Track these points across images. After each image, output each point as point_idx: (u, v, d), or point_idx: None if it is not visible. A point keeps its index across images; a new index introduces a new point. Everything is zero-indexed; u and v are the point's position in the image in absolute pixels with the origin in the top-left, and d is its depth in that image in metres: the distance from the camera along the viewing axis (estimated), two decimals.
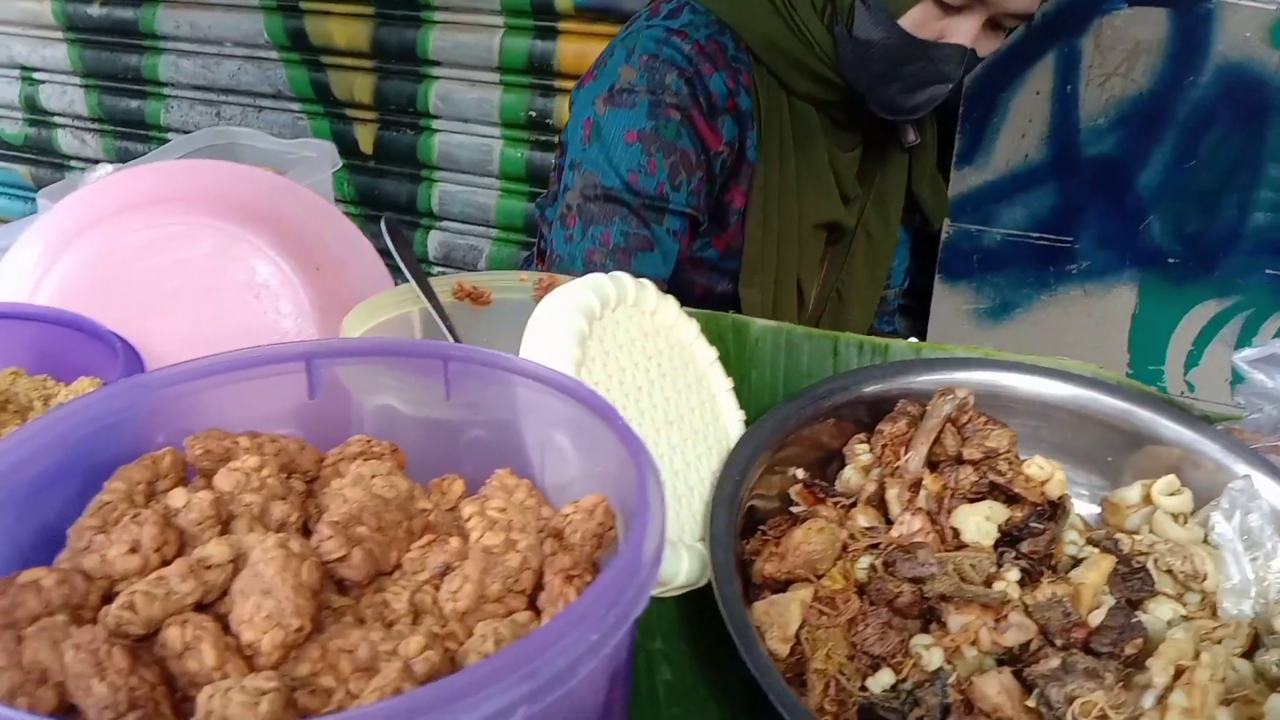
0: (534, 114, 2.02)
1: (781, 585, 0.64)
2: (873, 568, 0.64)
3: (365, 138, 2.21)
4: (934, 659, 0.59)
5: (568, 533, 0.50)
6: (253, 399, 0.58)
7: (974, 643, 0.59)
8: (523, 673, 0.35)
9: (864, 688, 0.59)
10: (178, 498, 0.49)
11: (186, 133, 2.37)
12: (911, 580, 0.62)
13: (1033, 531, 0.66)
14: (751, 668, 0.55)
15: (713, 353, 0.73)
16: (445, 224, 2.24)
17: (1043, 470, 0.68)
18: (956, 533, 0.66)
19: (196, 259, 0.72)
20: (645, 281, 0.69)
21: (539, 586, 0.47)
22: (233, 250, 0.73)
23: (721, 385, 0.73)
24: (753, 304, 1.24)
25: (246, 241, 0.73)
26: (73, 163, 2.68)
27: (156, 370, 0.54)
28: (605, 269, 1.21)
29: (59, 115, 2.62)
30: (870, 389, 0.78)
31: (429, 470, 0.58)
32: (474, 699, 0.34)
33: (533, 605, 0.47)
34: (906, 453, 0.71)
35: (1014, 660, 0.61)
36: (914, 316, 1.76)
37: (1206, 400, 1.60)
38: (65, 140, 2.64)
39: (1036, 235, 1.63)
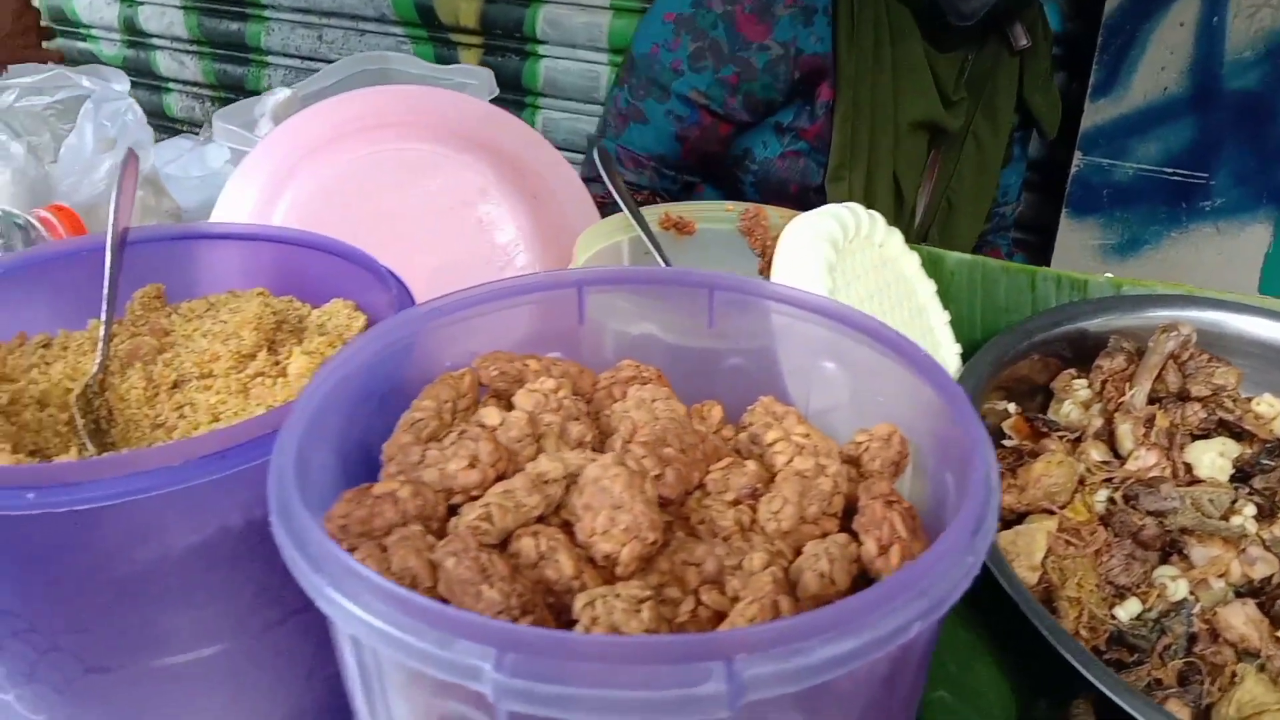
0: None
1: (1018, 517, 0.65)
2: (1111, 501, 0.65)
3: (469, 63, 2.20)
4: (1179, 590, 0.60)
5: (865, 460, 0.51)
6: (520, 324, 0.59)
7: (1223, 575, 0.60)
8: (917, 591, 0.37)
9: (1112, 616, 0.60)
10: (491, 416, 0.51)
11: (287, 55, 2.38)
12: (1153, 514, 0.63)
13: (1264, 468, 0.66)
14: (1011, 594, 0.57)
15: (932, 286, 0.73)
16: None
17: (1271, 408, 0.68)
18: (1189, 468, 0.66)
19: (422, 185, 0.73)
20: (876, 214, 0.69)
21: (846, 510, 0.49)
22: (457, 177, 0.74)
23: (940, 318, 0.73)
24: (839, 200, 1.25)
25: (469, 168, 0.74)
26: (170, 84, 2.71)
27: (442, 297, 0.56)
28: (605, 130, 1.27)
29: (157, 37, 2.63)
30: (1080, 325, 0.78)
31: (685, 397, 0.60)
32: (882, 612, 0.36)
33: (844, 528, 0.48)
34: (1130, 389, 0.71)
35: (1254, 593, 0.62)
36: (1036, 251, 1.75)
37: None
38: (164, 62, 2.66)
39: (1170, 170, 1.59)
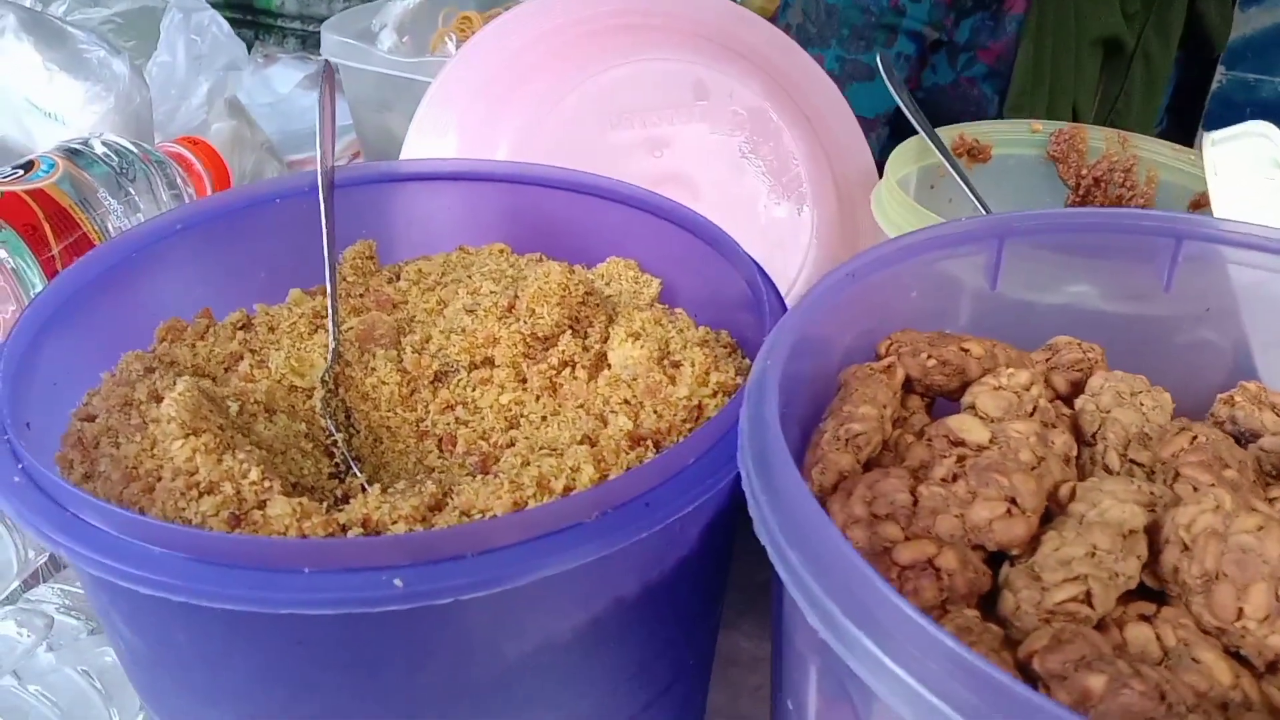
0: None
1: None
2: None
3: None
4: None
5: None
6: (901, 294, 0.44)
7: None
8: None
9: None
10: (974, 428, 0.36)
11: None
12: None
13: None
14: None
15: None
16: None
17: None
18: None
19: (685, 107, 0.57)
20: None
21: None
22: (727, 96, 0.57)
23: None
24: None
25: (740, 85, 0.58)
26: None
27: (853, 263, 0.41)
28: None
29: None
30: None
31: None
32: None
33: None
34: None
35: None
36: None
37: None
38: None
39: None
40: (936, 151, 0.61)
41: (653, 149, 0.57)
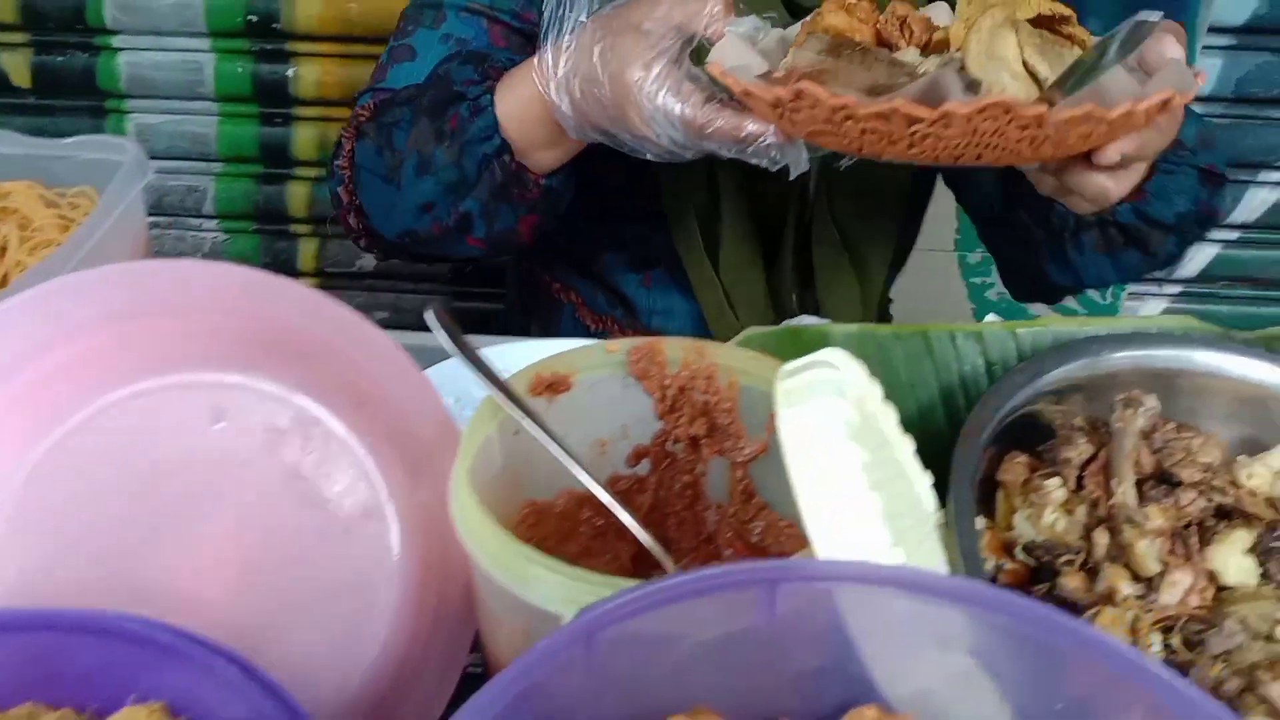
0: (255, 17, 1.65)
1: None
2: (1169, 649, 0.56)
3: (16, 66, 1.71)
4: None
5: None
6: None
7: None
8: None
9: None
10: None
11: None
12: (1221, 656, 0.55)
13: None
14: None
15: (910, 446, 0.58)
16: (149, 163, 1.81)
17: (1262, 479, 0.63)
18: (1212, 576, 0.59)
19: (195, 441, 0.46)
20: (857, 361, 0.53)
21: None
22: (247, 411, 0.47)
23: (921, 481, 0.58)
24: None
25: (263, 393, 0.47)
26: None
27: None
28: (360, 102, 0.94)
29: None
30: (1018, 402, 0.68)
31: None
32: None
33: None
34: (1116, 485, 0.62)
35: None
36: None
37: None
38: None
39: None
40: (507, 406, 0.55)
41: (184, 505, 0.46)
